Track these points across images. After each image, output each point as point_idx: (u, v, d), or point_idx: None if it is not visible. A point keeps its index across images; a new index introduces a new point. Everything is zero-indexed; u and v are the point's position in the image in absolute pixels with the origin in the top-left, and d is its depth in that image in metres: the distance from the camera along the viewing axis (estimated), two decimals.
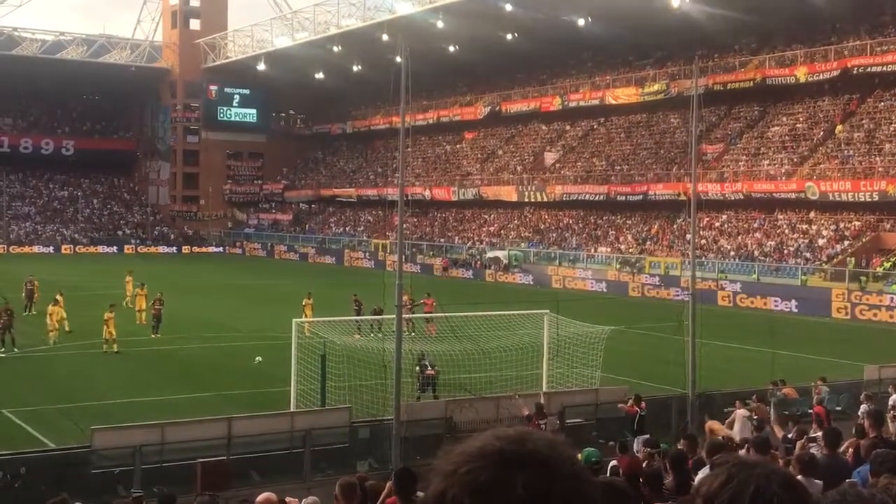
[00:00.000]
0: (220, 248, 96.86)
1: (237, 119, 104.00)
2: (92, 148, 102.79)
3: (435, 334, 26.95)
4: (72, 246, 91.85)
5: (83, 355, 32.01)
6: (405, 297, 29.61)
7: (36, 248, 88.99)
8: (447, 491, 1.39)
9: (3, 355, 29.68)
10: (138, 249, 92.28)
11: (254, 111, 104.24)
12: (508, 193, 75.01)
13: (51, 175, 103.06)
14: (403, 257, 21.62)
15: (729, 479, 1.73)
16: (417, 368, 24.29)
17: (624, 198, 66.00)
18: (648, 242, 62.92)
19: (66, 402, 24.70)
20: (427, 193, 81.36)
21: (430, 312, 33.34)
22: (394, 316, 19.71)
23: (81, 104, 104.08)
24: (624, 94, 71.86)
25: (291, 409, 21.81)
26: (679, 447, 12.10)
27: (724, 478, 1.74)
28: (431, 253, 74.72)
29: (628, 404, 20.36)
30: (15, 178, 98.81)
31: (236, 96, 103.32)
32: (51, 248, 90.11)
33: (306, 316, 33.61)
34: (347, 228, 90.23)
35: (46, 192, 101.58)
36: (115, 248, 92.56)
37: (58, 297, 34.63)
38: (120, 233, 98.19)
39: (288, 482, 17.59)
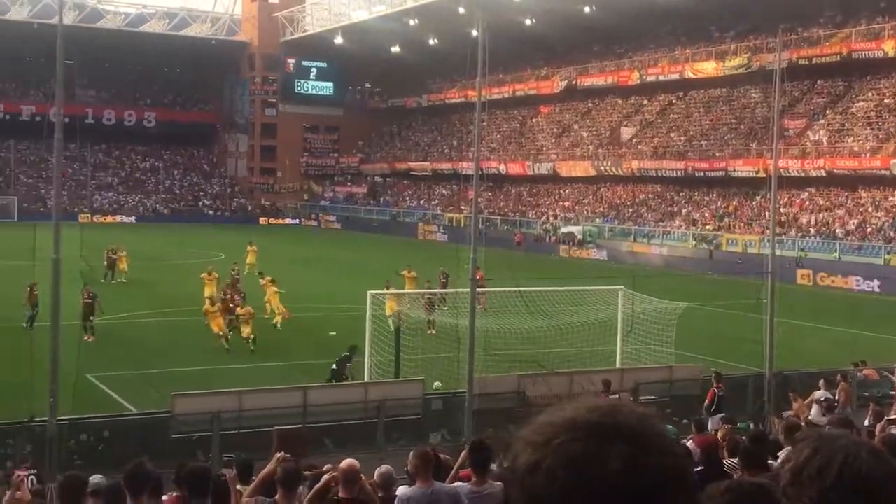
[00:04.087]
0: (296, 220, 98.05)
1: (314, 92, 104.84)
2: (173, 120, 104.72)
3: (485, 308, 26.53)
4: (153, 215, 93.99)
5: (164, 323, 32.77)
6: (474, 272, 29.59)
7: (119, 218, 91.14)
8: (540, 462, 1.39)
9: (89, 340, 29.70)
10: (217, 220, 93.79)
11: (330, 84, 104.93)
12: (584, 168, 74.38)
13: (133, 146, 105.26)
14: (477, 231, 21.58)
15: (815, 451, 1.70)
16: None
17: (702, 174, 64.94)
18: (726, 219, 61.87)
19: (147, 369, 25.35)
20: (502, 168, 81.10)
21: (482, 285, 33.18)
22: (466, 290, 19.76)
23: (163, 77, 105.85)
24: (704, 68, 70.51)
25: (365, 380, 22.05)
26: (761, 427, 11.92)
27: (809, 451, 1.71)
28: (505, 227, 74.58)
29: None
30: (98, 149, 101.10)
31: (313, 69, 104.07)
32: (133, 218, 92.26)
33: (408, 287, 33.62)
34: (422, 202, 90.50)
35: (129, 163, 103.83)
36: (194, 218, 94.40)
37: (263, 281, 33.98)
38: (200, 203, 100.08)
39: (361, 451, 17.77)
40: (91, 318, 28.96)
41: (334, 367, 22.75)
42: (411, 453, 7.58)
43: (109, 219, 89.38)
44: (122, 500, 6.75)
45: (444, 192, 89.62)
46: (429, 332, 27.38)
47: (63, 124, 16.46)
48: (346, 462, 7.26)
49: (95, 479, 8.81)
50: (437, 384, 21.66)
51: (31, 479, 12.32)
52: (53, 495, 9.27)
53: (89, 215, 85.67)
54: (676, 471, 1.41)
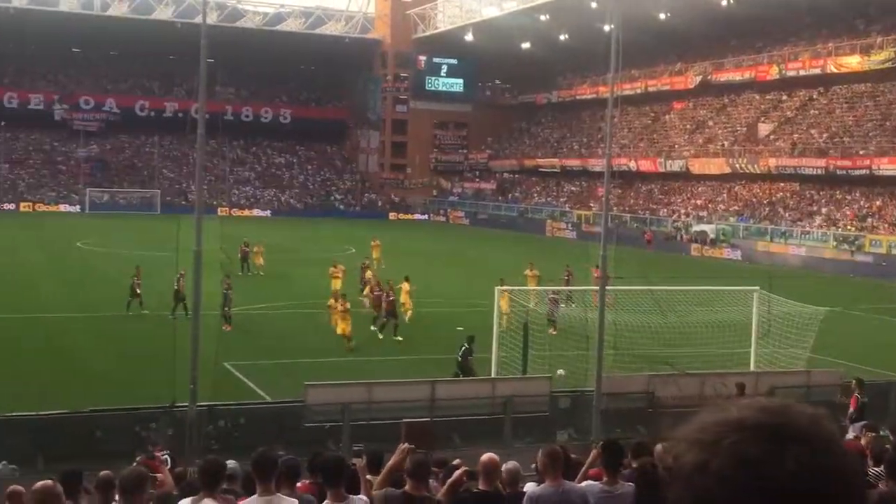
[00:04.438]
0: (425, 216, 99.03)
1: (444, 89, 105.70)
2: (307, 117, 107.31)
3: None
4: (287, 210, 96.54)
5: (298, 314, 33.57)
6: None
7: (255, 212, 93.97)
8: (709, 462, 1.36)
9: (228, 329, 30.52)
10: (348, 215, 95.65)
11: (460, 81, 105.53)
12: (718, 166, 72.60)
13: (269, 142, 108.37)
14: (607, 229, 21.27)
15: None
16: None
17: (844, 172, 62.49)
18: (869, 219, 59.39)
19: (280, 358, 26.03)
20: (632, 165, 79.95)
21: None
22: (595, 287, 19.54)
23: (298, 74, 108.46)
24: (848, 63, 67.80)
25: (492, 376, 22.06)
26: None
27: None
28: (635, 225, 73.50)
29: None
30: (237, 145, 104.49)
31: (444, 66, 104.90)
32: (268, 212, 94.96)
33: (529, 284, 33.62)
34: (549, 199, 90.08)
35: (265, 159, 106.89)
36: (326, 213, 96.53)
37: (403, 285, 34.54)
38: (332, 198, 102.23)
39: (487, 447, 17.77)
40: (226, 308, 29.84)
41: (459, 359, 22.88)
42: (541, 451, 7.53)
43: (246, 212, 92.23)
44: (255, 486, 6.95)
45: (572, 188, 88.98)
46: (549, 331, 27.04)
47: (205, 121, 16.99)
48: (486, 456, 7.29)
49: (231, 464, 9.10)
50: (560, 371, 21.50)
51: (168, 458, 12.82)
52: (193, 476, 9.60)
53: (227, 209, 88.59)
54: (851, 473, 1.36)
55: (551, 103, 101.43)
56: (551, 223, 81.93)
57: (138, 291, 32.00)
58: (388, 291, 30.09)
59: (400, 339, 28.66)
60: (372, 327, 29.98)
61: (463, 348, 22.95)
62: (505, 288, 26.15)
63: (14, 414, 17.68)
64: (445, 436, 18.65)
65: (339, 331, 27.61)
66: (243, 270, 42.33)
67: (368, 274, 34.91)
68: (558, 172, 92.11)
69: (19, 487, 9.52)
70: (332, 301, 29.38)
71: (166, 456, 12.85)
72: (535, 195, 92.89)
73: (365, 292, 33.61)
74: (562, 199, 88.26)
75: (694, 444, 1.39)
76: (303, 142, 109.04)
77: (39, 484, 6.41)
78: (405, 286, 32.24)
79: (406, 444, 8.20)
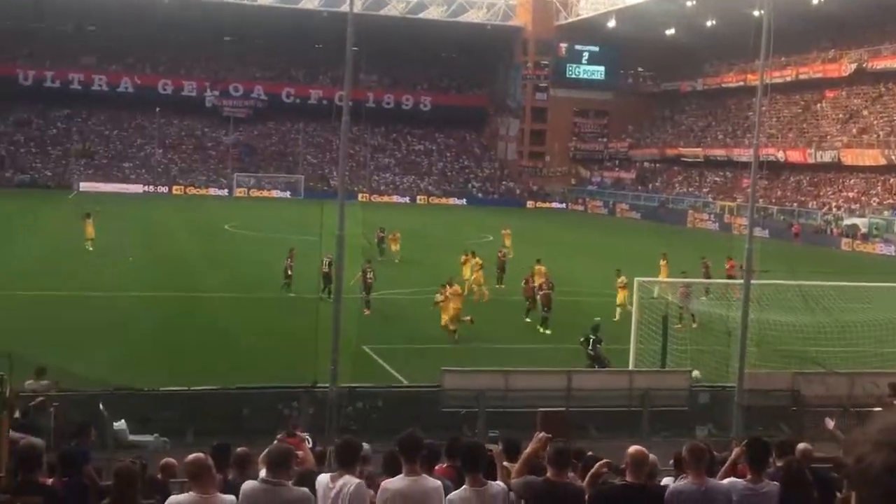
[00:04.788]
0: (563, 205, 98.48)
1: (585, 76, 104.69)
2: (447, 104, 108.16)
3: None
4: (426, 197, 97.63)
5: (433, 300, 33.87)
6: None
7: (394, 198, 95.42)
8: None
9: (367, 313, 31.01)
10: (485, 202, 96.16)
11: (601, 68, 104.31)
12: (872, 157, 69.48)
13: (409, 129, 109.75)
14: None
15: None
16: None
17: None
18: None
19: (417, 343, 26.36)
20: (780, 155, 77.33)
21: (731, 276, 31.92)
22: (738, 281, 19.03)
23: (439, 62, 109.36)
24: None
25: (630, 368, 21.80)
26: None
27: None
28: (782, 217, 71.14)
29: None
30: (378, 132, 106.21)
31: (585, 53, 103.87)
32: (407, 199, 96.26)
33: (661, 276, 33.27)
34: (691, 189, 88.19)
35: (405, 146, 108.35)
36: (464, 200, 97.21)
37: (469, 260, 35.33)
38: (470, 185, 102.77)
39: (624, 439, 17.61)
40: (364, 292, 30.34)
41: (590, 351, 22.74)
42: (684, 447, 7.39)
43: (385, 199, 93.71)
44: (398, 467, 7.06)
45: (716, 179, 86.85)
46: (676, 326, 26.16)
47: (350, 108, 17.28)
48: (635, 448, 7.21)
49: (365, 446, 9.29)
50: (695, 373, 21.03)
51: (308, 438, 13.16)
52: (331, 457, 9.83)
53: (367, 195, 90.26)
54: None
55: (696, 91, 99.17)
56: (693, 214, 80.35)
57: (290, 273, 32.92)
58: (543, 283, 29.85)
59: (548, 331, 28.39)
60: (527, 319, 29.98)
61: (591, 338, 22.84)
62: (643, 280, 25.70)
63: (168, 388, 18.51)
64: (581, 426, 18.54)
65: (443, 321, 26.88)
66: (383, 255, 43.07)
67: (537, 267, 34.37)
68: (701, 162, 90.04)
69: (172, 460, 9.96)
70: (453, 289, 28.09)
71: (307, 436, 13.20)
72: (677, 185, 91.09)
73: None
74: (704, 190, 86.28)
75: (881, 446, 1.34)
76: (442, 129, 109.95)
77: (192, 456, 6.69)
78: (541, 268, 32.46)
79: (543, 433, 8.17)
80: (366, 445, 9.74)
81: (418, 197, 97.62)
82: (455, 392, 18.70)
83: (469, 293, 32.96)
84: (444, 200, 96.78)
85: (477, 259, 35.50)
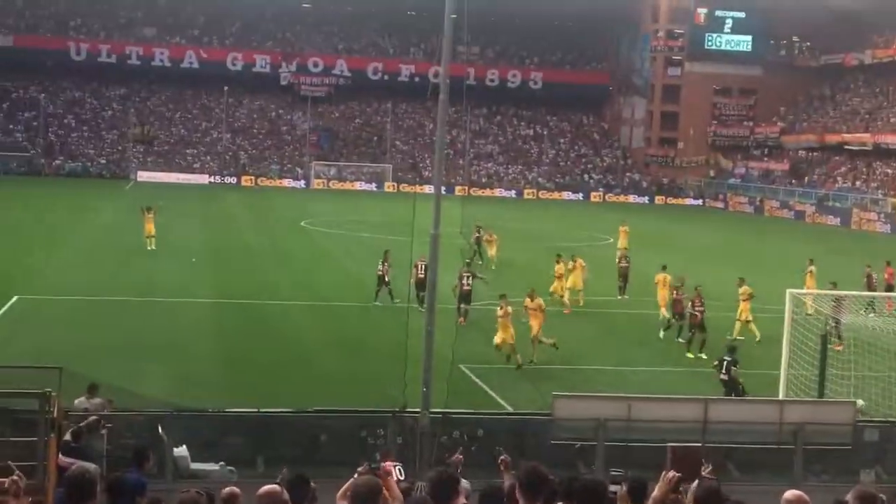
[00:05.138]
0: (699, 201, 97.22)
1: (728, 48, 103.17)
2: (561, 81, 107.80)
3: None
4: (535, 190, 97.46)
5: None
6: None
7: (497, 192, 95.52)
8: None
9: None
10: (606, 197, 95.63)
11: (748, 39, 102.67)
12: None
13: (516, 111, 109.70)
14: None
15: None
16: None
17: None
18: None
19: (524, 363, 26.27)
20: None
21: (892, 285, 30.93)
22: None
23: (552, 32, 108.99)
24: None
25: (780, 397, 21.39)
26: None
27: None
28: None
29: None
30: (479, 114, 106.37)
31: (728, 21, 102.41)
32: (512, 193, 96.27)
33: (807, 287, 32.65)
34: (858, 183, 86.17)
35: (511, 130, 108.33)
36: (580, 194, 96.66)
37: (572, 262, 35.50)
38: (587, 177, 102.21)
39: (772, 483, 17.34)
40: (463, 304, 30.28)
41: (723, 375, 22.43)
42: (850, 494, 7.22)
43: (487, 192, 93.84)
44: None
45: (888, 171, 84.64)
46: (837, 347, 25.49)
47: (447, 86, 17.32)
48: (792, 493, 7.10)
49: (464, 483, 9.31)
50: (860, 403, 20.49)
51: (399, 470, 13.24)
52: (422, 491, 9.88)
53: (465, 188, 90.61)
54: None
55: (864, 65, 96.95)
56: (858, 212, 78.62)
57: (387, 279, 33.26)
58: (694, 299, 29.18)
59: (704, 356, 27.79)
60: (679, 339, 29.64)
61: (725, 361, 22.53)
62: (797, 291, 25.16)
63: (236, 410, 18.85)
64: (719, 464, 18.27)
65: (498, 338, 25.99)
66: (484, 259, 43.17)
67: (660, 275, 33.97)
68: (870, 151, 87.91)
69: (236, 489, 10.16)
70: (535, 302, 27.29)
71: (399, 468, 13.29)
72: (839, 178, 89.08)
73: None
74: (873, 185, 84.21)
75: None
76: (555, 111, 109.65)
77: (266, 488, 6.83)
78: (666, 277, 32.19)
79: (672, 473, 8.10)
80: (463, 481, 9.77)
81: (526, 190, 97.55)
82: (568, 422, 18.60)
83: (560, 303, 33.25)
84: (556, 195, 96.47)
85: (580, 260, 35.58)
